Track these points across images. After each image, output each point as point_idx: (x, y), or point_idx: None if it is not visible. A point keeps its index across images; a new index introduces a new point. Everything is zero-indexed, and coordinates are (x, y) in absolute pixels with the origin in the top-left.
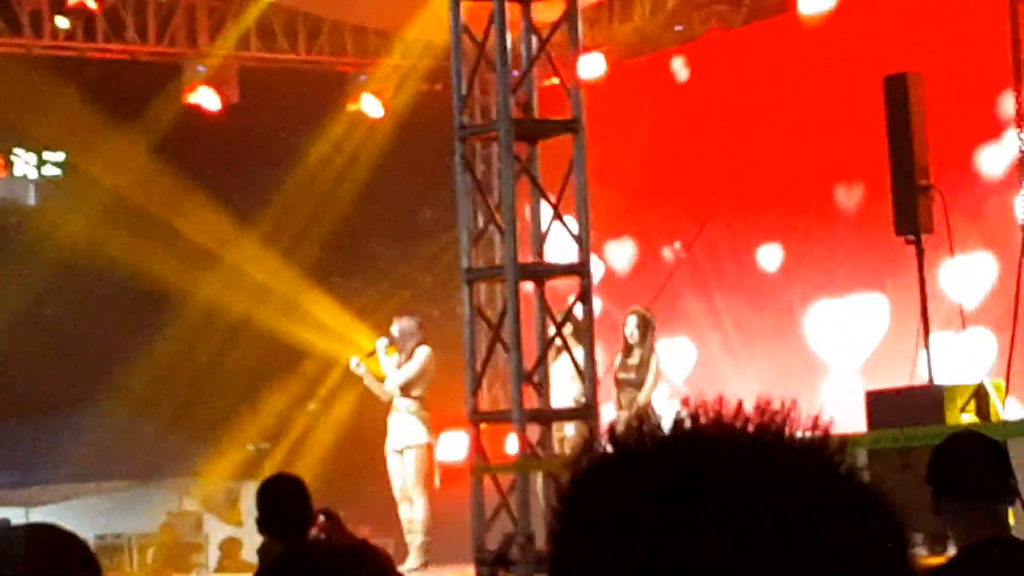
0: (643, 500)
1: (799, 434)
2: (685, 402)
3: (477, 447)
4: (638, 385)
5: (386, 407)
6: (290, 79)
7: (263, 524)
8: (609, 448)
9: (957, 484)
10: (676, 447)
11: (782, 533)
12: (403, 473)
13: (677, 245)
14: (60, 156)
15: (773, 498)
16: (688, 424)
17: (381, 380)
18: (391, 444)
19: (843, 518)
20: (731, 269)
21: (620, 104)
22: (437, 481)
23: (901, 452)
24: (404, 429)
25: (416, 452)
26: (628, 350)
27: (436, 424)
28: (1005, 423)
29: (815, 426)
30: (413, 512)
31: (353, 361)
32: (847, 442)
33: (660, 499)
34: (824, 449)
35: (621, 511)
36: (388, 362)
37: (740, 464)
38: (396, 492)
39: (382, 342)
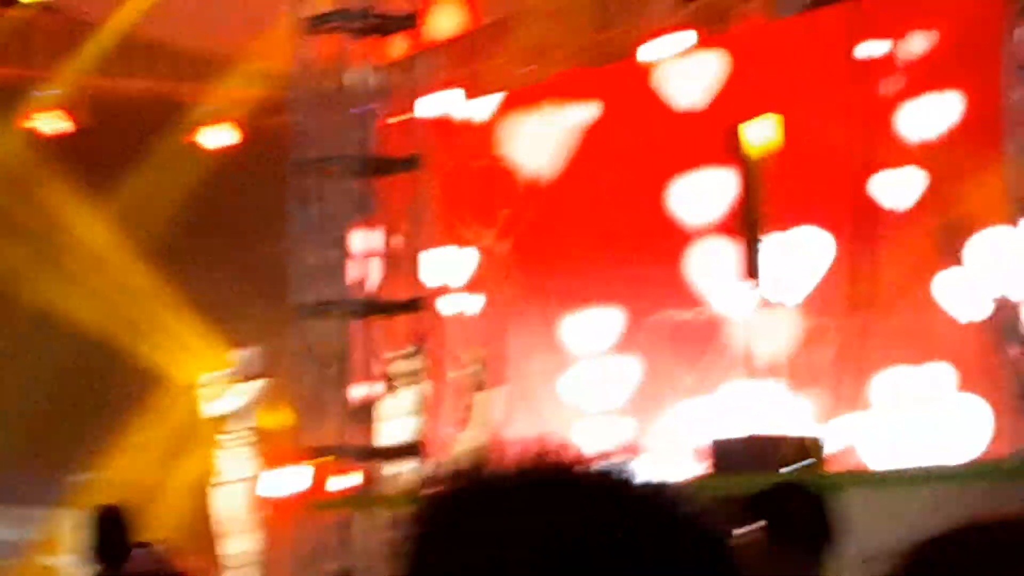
0: (485, 547)
1: (640, 480)
2: (530, 445)
3: (308, 483)
4: (471, 423)
5: (212, 439)
6: (130, 107)
7: (87, 554)
8: (447, 490)
9: (774, 531)
10: (518, 490)
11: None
12: (230, 506)
13: None
14: None
15: (617, 540)
16: (528, 467)
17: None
18: (218, 476)
19: (684, 561)
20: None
21: (474, 140)
22: (262, 517)
23: (742, 500)
24: (231, 462)
25: (243, 485)
26: (462, 394)
27: (266, 459)
28: (835, 475)
29: (653, 473)
30: (237, 546)
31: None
32: (687, 487)
33: (502, 545)
34: (665, 494)
35: (463, 559)
36: (219, 392)
37: (581, 508)
38: (220, 525)
39: (220, 374)
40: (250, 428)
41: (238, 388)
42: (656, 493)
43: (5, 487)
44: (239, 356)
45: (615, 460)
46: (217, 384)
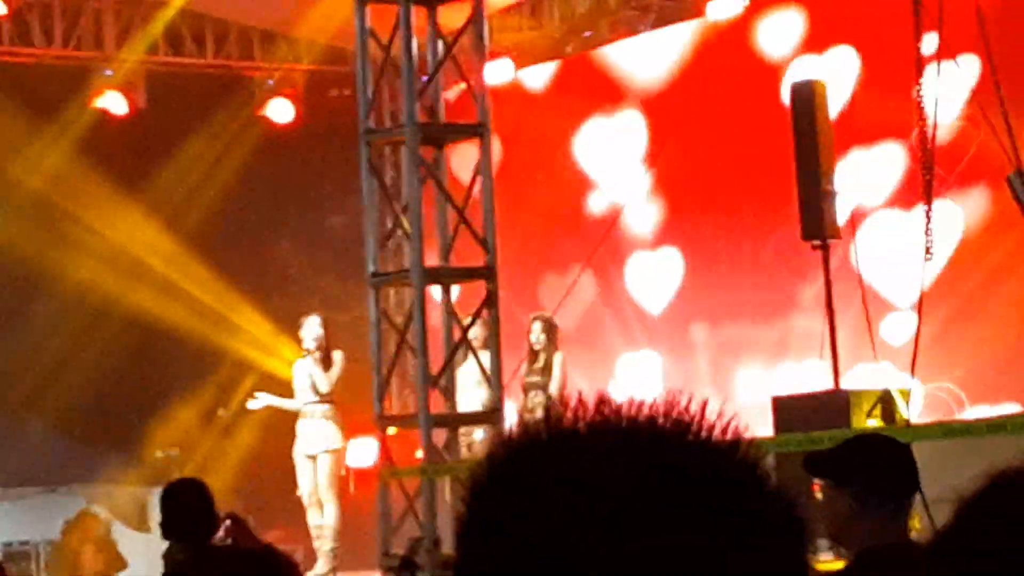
0: (548, 496)
1: (712, 433)
2: (601, 399)
3: (384, 452)
4: (544, 387)
5: (292, 413)
6: (198, 83)
7: (167, 529)
8: (513, 444)
9: (863, 483)
10: (584, 443)
11: (692, 531)
12: (315, 478)
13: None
14: None
15: (684, 496)
16: (596, 420)
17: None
18: (303, 449)
19: (752, 517)
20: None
21: (527, 109)
22: (351, 486)
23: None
24: (319, 433)
25: (331, 456)
26: (534, 356)
27: (345, 429)
28: (910, 427)
29: (727, 426)
30: (324, 517)
31: (255, 401)
32: (757, 443)
33: (566, 495)
34: (736, 449)
35: (525, 506)
36: (317, 371)
37: (650, 460)
38: (305, 497)
39: (303, 348)
40: (333, 398)
41: (322, 359)
42: (729, 447)
43: (95, 468)
44: (315, 328)
45: (689, 414)
46: (297, 357)
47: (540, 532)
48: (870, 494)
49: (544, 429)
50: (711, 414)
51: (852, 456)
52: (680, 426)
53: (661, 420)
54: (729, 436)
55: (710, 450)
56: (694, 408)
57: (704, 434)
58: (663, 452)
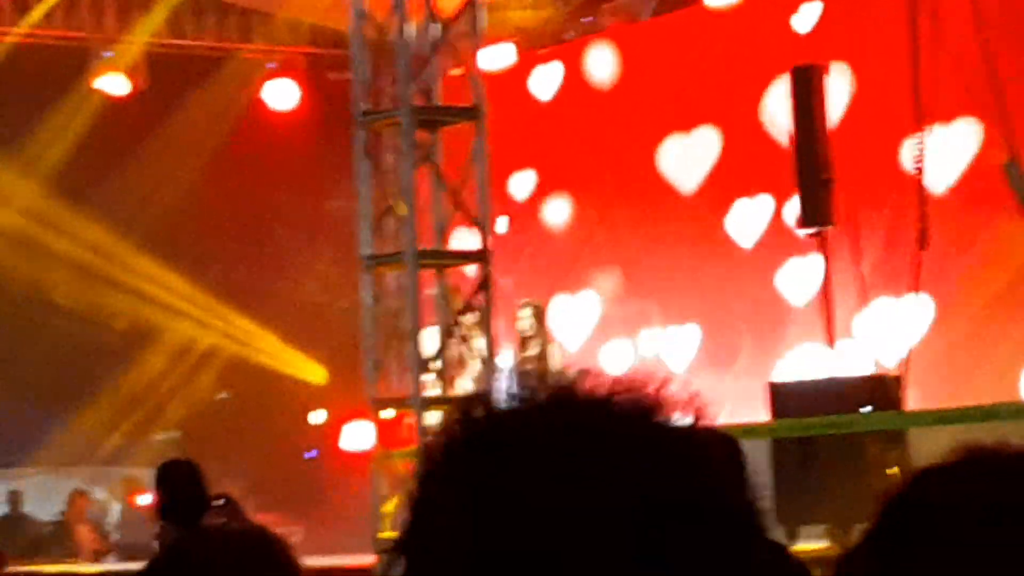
0: (499, 471)
1: (669, 413)
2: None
3: (378, 435)
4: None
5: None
6: (198, 65)
7: (158, 510)
8: (452, 425)
9: None
10: (528, 420)
11: (635, 523)
12: None
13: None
14: None
15: (624, 472)
16: (550, 398)
17: None
18: None
19: (692, 500)
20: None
21: (527, 93)
22: None
23: (802, 442)
24: None
25: None
26: (524, 343)
27: (343, 414)
28: (906, 413)
29: (689, 409)
30: None
31: None
32: (725, 427)
33: (519, 474)
34: (692, 438)
35: (472, 482)
36: None
37: (602, 441)
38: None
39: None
40: None
41: None
42: (684, 437)
43: (95, 450)
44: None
45: (646, 391)
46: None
47: (479, 515)
48: None
49: (486, 407)
50: (675, 394)
51: None
52: (637, 405)
53: (619, 399)
54: (694, 417)
55: (659, 429)
56: (657, 387)
57: (660, 413)
58: (617, 435)
